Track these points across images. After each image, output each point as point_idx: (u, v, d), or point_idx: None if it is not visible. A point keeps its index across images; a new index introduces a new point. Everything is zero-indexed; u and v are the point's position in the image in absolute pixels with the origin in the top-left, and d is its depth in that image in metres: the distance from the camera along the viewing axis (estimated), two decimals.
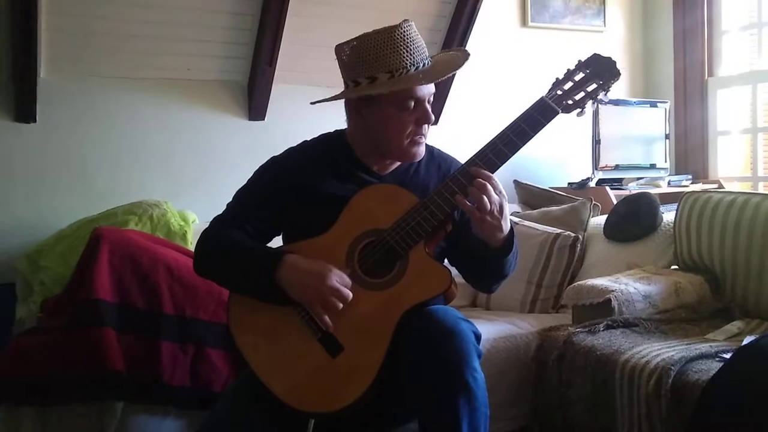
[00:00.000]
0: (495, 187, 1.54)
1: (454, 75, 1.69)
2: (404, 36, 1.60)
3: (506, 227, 1.58)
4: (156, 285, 2.34)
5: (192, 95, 3.29)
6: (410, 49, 1.60)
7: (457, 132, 3.58)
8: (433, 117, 1.67)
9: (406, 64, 1.60)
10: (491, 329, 2.54)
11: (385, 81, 1.59)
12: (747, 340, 2.07)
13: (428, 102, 1.66)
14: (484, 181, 1.54)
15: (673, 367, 1.91)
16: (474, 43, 3.66)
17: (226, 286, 1.72)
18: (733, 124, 4.05)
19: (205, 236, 1.70)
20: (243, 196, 1.74)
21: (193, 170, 3.28)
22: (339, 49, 1.67)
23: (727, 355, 1.93)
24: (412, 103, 1.63)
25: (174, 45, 3.18)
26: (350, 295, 1.57)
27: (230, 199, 1.76)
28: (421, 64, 1.62)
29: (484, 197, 1.52)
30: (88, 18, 3.00)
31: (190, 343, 2.32)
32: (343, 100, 1.72)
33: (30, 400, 2.15)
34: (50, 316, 2.39)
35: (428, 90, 1.65)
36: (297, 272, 1.57)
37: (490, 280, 1.74)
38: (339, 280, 1.57)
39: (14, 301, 2.75)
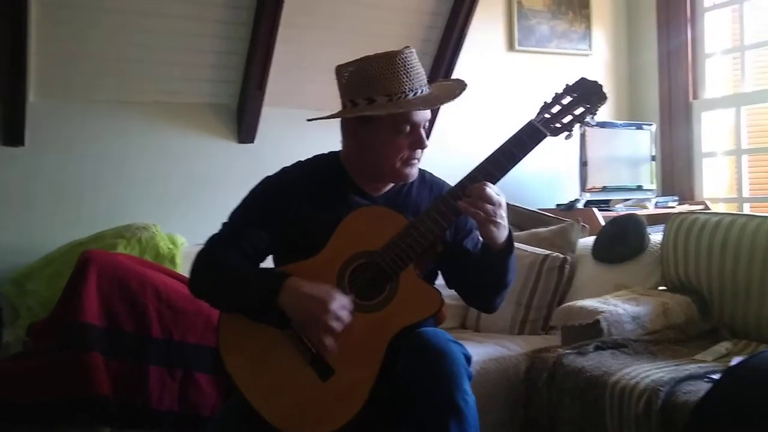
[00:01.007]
0: (490, 188, 1.58)
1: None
2: (405, 62, 1.62)
3: (506, 224, 1.62)
4: (144, 308, 2.33)
5: (181, 118, 3.29)
6: (410, 75, 1.62)
7: (445, 155, 3.59)
8: (427, 143, 1.69)
9: (405, 89, 1.62)
10: (481, 351, 2.53)
11: (384, 104, 1.61)
12: (735, 360, 2.07)
13: (423, 127, 1.68)
14: (480, 187, 1.56)
15: (662, 388, 1.91)
16: (461, 67, 3.70)
17: (221, 307, 1.69)
18: (718, 146, 4.08)
19: (201, 256, 1.69)
20: (238, 215, 1.74)
21: (182, 193, 3.27)
22: (339, 71, 1.68)
23: (716, 376, 1.93)
24: (408, 128, 1.65)
25: (163, 68, 3.19)
26: (350, 318, 1.56)
27: (224, 220, 1.75)
28: (419, 91, 1.65)
29: (484, 203, 1.55)
30: (77, 42, 3.01)
31: (178, 367, 2.31)
32: (338, 121, 1.73)
33: (16, 425, 2.12)
34: (37, 340, 2.37)
35: (424, 116, 1.67)
36: (299, 296, 1.56)
37: (495, 290, 1.71)
38: (341, 304, 1.56)
39: (0, 326, 2.73)
